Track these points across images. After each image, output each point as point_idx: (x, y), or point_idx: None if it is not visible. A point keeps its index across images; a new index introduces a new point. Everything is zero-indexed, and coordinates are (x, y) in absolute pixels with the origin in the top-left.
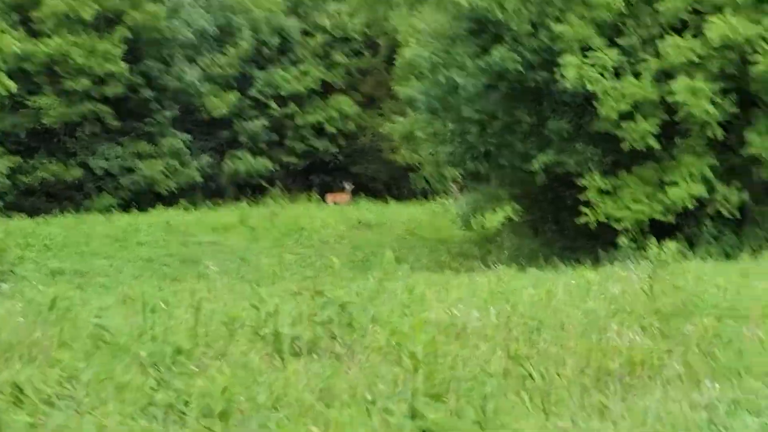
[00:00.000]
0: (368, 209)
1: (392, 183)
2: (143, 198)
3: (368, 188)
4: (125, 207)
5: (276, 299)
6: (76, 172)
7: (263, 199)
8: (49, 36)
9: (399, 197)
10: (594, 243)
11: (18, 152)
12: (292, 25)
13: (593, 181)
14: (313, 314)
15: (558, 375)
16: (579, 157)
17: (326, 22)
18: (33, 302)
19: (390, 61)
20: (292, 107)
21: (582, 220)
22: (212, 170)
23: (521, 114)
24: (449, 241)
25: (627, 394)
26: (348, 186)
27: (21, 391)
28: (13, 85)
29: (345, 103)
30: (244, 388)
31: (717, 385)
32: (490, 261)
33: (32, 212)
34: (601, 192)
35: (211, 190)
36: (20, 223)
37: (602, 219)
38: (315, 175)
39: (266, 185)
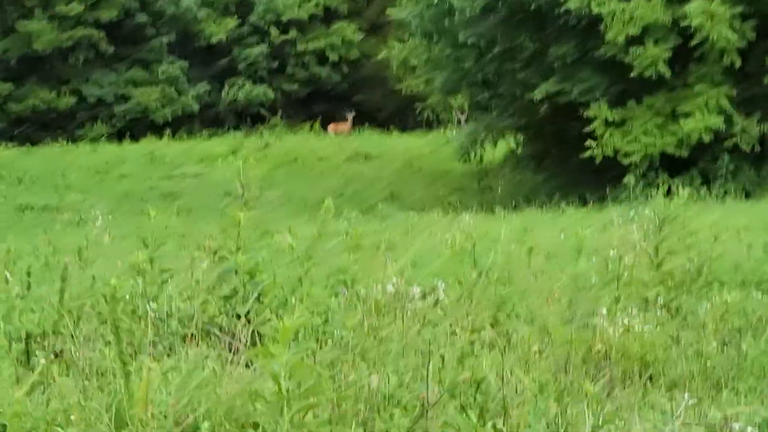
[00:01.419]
0: (369, 140)
1: (397, 113)
2: (137, 127)
3: (372, 118)
4: (120, 137)
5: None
6: (69, 100)
7: (261, 129)
8: None
9: (403, 128)
10: (600, 179)
11: (8, 79)
12: None
13: (600, 111)
14: (212, 286)
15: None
16: (584, 85)
17: None
18: None
19: None
20: (294, 33)
21: (587, 154)
22: (210, 99)
23: (522, 39)
24: (448, 174)
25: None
26: (350, 115)
27: None
28: None
29: (348, 30)
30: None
31: (744, 398)
32: (488, 198)
33: (23, 142)
34: (608, 123)
35: (209, 120)
36: (2, 152)
37: (609, 153)
38: (317, 104)
39: (266, 114)
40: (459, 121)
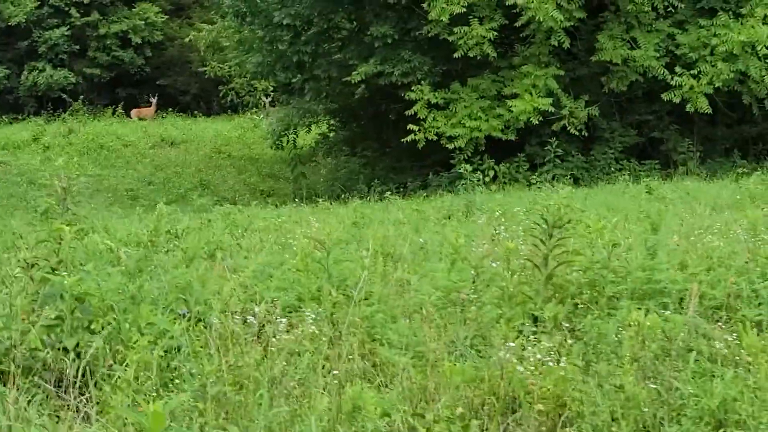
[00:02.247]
0: (174, 125)
1: (202, 97)
2: None
3: (176, 102)
4: None
5: None
6: None
7: (64, 115)
8: None
9: (209, 113)
10: (422, 165)
11: None
12: None
13: (422, 93)
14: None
15: None
16: (405, 66)
17: None
18: None
19: None
20: (95, 15)
21: (409, 138)
22: (9, 83)
23: (339, 19)
24: (259, 160)
25: None
26: (153, 99)
27: None
28: None
29: (151, 11)
30: None
31: None
32: (303, 186)
33: None
34: (431, 106)
35: (7, 105)
36: None
37: (432, 137)
38: (120, 88)
39: (68, 99)
40: (264, 105)
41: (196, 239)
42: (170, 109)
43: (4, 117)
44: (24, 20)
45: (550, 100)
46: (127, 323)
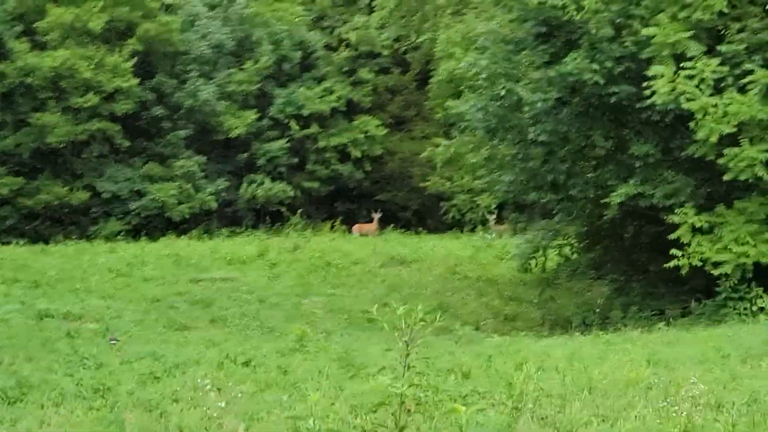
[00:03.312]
0: (400, 242)
1: (422, 212)
2: (154, 225)
3: (396, 218)
4: (135, 234)
5: None
6: (83, 196)
7: (283, 229)
8: (54, 48)
9: (429, 229)
10: (678, 291)
11: (20, 173)
12: (316, 38)
13: (686, 217)
14: None
15: None
16: (668, 187)
17: (352, 36)
18: None
19: (421, 79)
20: (315, 128)
21: (671, 263)
22: (228, 195)
23: (597, 136)
24: (497, 282)
25: None
26: (376, 215)
27: None
28: None
29: (372, 124)
30: None
31: None
32: (551, 311)
33: (35, 239)
34: (695, 230)
35: (226, 217)
36: (14, 250)
37: (696, 263)
38: (339, 203)
39: (286, 213)
40: (486, 222)
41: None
42: (392, 224)
43: (223, 230)
44: (244, 133)
45: None
46: None
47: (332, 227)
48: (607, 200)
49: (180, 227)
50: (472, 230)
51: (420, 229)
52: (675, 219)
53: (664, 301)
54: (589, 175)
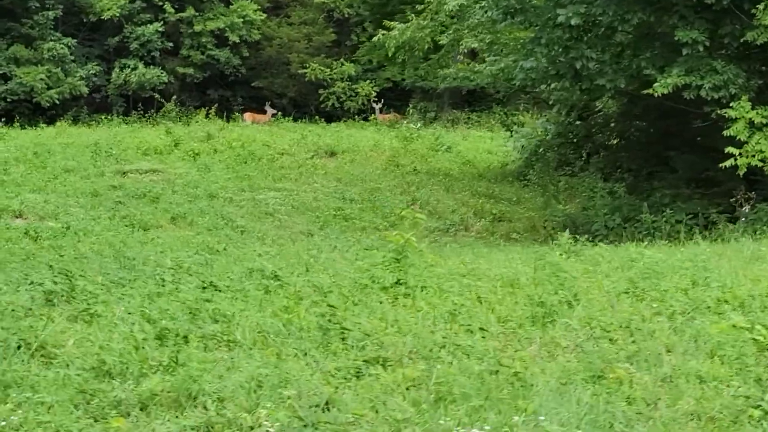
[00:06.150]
0: (313, 131)
1: (298, 100)
2: (21, 110)
3: (273, 105)
4: (4, 120)
5: None
6: None
7: (156, 116)
8: None
9: (310, 116)
10: (712, 194)
11: None
12: None
13: (743, 111)
14: None
15: None
16: (717, 78)
17: None
18: None
19: None
20: (190, 11)
21: (727, 163)
22: (98, 80)
23: (636, 20)
24: (456, 176)
25: None
26: (269, 110)
27: None
28: None
29: (249, 9)
30: None
31: None
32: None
33: None
34: (752, 126)
35: (94, 104)
36: None
37: (755, 162)
38: (212, 90)
39: (161, 99)
40: (373, 110)
41: None
42: (279, 112)
43: (94, 116)
44: (118, 15)
45: None
46: None
47: (207, 115)
48: (648, 91)
49: (48, 113)
50: (354, 119)
51: (303, 119)
52: (731, 113)
53: (695, 205)
54: (625, 62)
